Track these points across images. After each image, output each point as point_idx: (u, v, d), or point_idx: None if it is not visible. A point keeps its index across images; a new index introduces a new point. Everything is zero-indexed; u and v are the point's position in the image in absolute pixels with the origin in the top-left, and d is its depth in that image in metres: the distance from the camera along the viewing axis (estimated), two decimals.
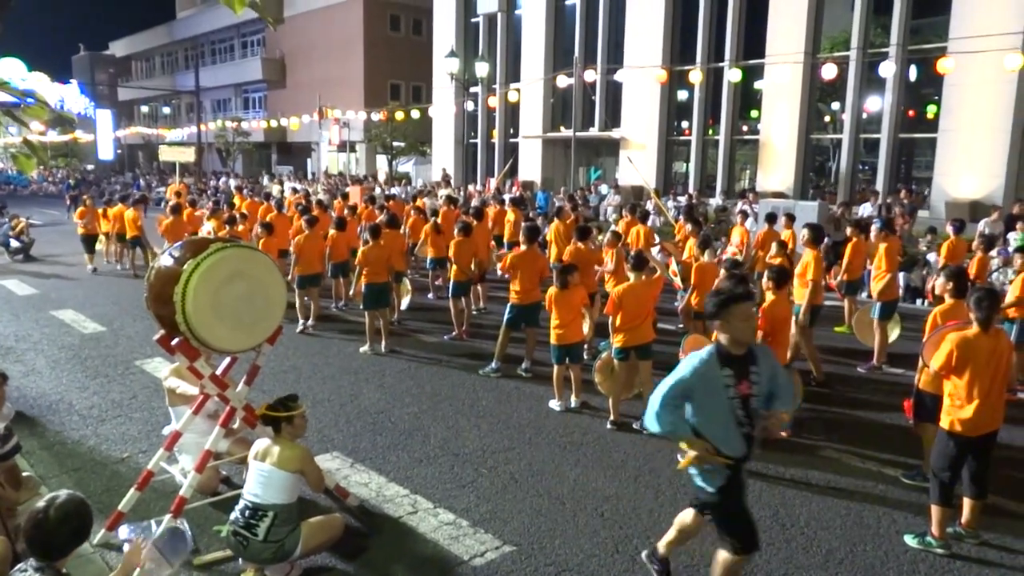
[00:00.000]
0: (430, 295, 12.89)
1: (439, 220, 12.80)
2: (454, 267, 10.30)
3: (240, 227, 13.01)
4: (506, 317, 8.66)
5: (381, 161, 36.21)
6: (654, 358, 7.21)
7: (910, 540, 4.91)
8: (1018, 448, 6.50)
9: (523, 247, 8.88)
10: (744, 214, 13.59)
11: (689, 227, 10.83)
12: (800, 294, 8.31)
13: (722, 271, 8.00)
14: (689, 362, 3.81)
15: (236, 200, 18.84)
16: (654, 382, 7.05)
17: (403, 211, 15.43)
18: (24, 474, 5.10)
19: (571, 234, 10.38)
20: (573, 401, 7.47)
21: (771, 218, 12.07)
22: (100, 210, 16.94)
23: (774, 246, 9.85)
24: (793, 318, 7.51)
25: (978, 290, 4.87)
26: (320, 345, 9.92)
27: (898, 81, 19.20)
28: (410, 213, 14.44)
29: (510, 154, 28.70)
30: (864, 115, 20.58)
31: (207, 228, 13.80)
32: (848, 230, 10.54)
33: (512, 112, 29.33)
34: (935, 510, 4.83)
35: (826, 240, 13.45)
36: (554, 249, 11.72)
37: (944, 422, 4.79)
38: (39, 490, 4.86)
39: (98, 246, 16.51)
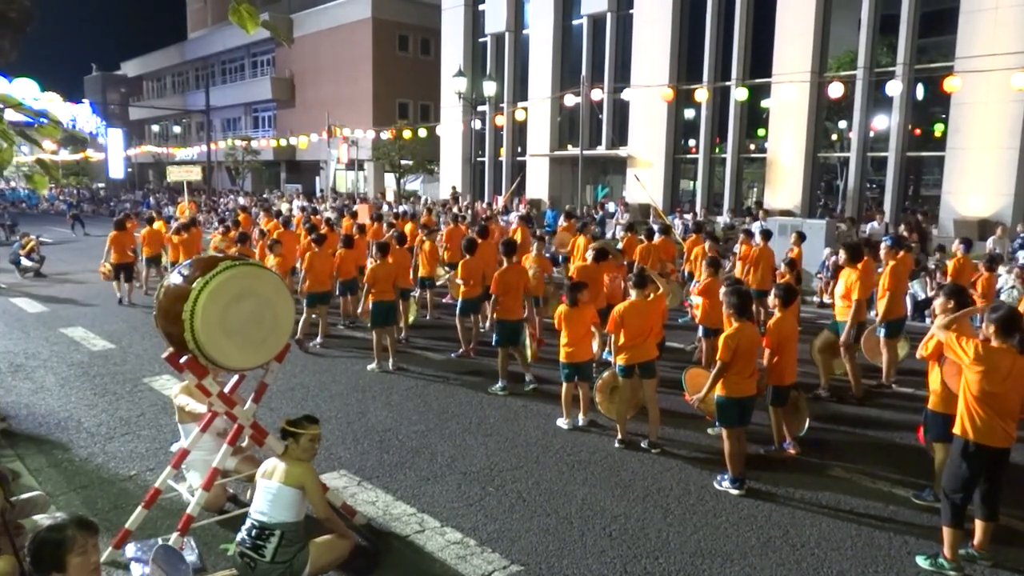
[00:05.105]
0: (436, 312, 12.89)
1: (443, 239, 12.85)
2: (462, 286, 10.29)
3: (258, 244, 13.10)
4: (494, 338, 8.76)
5: (389, 179, 36.36)
6: (660, 377, 7.16)
7: (922, 562, 4.86)
8: None
9: (504, 264, 8.89)
10: (748, 232, 13.51)
11: (708, 243, 10.88)
12: (843, 312, 8.27)
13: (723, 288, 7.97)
14: None
15: (240, 219, 18.94)
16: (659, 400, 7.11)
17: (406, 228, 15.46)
18: (35, 493, 5.11)
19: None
20: (581, 419, 7.44)
21: (767, 235, 11.94)
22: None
23: (783, 264, 9.83)
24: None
25: (999, 306, 4.83)
26: (327, 363, 9.93)
27: (905, 100, 19.19)
28: (417, 231, 14.48)
29: (517, 172, 28.79)
30: (871, 134, 20.56)
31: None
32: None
33: (520, 130, 29.44)
34: (947, 532, 4.78)
35: (833, 259, 13.48)
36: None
37: (956, 427, 4.73)
38: (48, 509, 4.85)
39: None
